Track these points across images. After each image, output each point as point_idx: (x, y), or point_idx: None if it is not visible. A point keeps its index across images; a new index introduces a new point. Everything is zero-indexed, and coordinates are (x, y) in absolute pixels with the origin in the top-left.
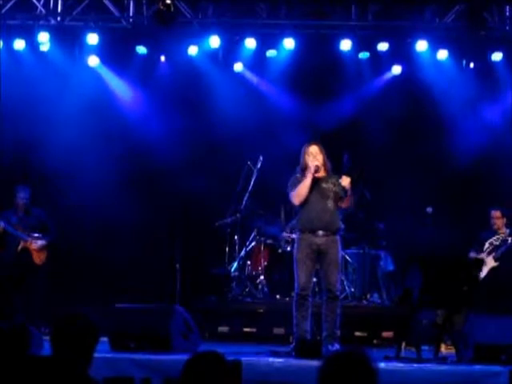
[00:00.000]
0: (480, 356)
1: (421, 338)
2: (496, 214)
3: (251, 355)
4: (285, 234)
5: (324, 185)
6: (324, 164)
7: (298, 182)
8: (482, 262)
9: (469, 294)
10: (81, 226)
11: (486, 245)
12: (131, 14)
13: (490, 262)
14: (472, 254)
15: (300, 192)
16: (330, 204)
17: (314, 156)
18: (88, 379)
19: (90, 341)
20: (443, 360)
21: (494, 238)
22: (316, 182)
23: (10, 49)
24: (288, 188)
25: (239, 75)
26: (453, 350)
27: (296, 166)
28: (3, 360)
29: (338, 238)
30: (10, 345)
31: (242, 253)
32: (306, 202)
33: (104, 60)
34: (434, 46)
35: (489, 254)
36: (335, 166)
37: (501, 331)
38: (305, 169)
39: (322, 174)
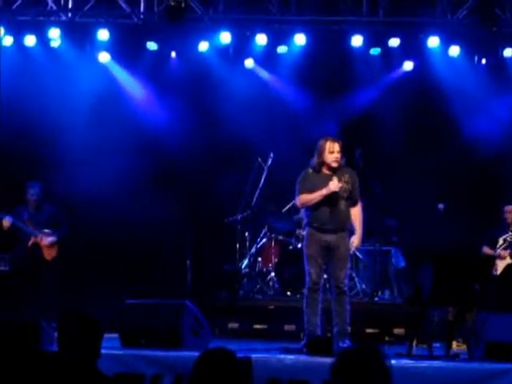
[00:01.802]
0: (491, 353)
1: (432, 334)
2: (509, 208)
3: (262, 352)
4: (297, 231)
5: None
6: (340, 162)
7: (307, 181)
8: (494, 260)
9: (480, 291)
10: (92, 223)
11: (500, 241)
12: (142, 10)
13: (506, 258)
14: (485, 250)
15: (308, 202)
16: (342, 204)
17: (336, 156)
18: (98, 374)
19: (94, 338)
20: (454, 357)
21: (509, 234)
22: (328, 180)
23: (21, 45)
24: (297, 183)
25: (250, 71)
26: (464, 347)
27: (309, 160)
28: (15, 355)
29: (347, 234)
30: (21, 340)
31: (253, 249)
32: (317, 202)
33: (115, 56)
34: (446, 42)
35: (504, 250)
36: (347, 162)
37: None
38: (322, 164)
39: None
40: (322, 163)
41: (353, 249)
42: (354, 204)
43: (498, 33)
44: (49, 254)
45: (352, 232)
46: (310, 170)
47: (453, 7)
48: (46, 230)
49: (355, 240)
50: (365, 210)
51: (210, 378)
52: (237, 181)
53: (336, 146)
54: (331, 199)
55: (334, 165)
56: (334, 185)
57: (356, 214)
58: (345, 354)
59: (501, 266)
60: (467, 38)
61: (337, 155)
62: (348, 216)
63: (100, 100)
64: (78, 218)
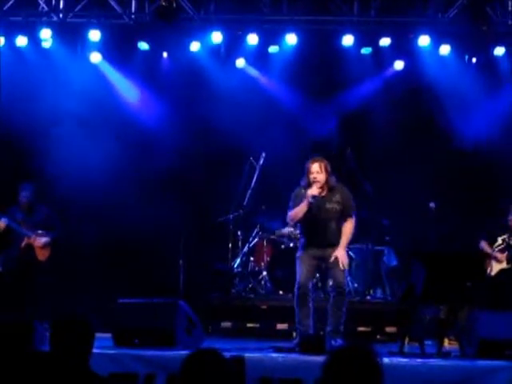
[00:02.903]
0: (484, 351)
1: (424, 332)
2: None
3: (254, 351)
4: (288, 229)
5: (328, 205)
6: (327, 181)
7: (298, 198)
8: (489, 258)
9: (473, 289)
10: (84, 222)
11: (499, 241)
12: (133, 10)
13: (502, 262)
14: (483, 245)
15: (294, 217)
16: (333, 224)
17: (314, 177)
18: (90, 374)
19: (86, 339)
20: (447, 355)
21: (507, 235)
22: (319, 202)
23: (13, 45)
24: (289, 200)
25: (241, 71)
26: (456, 345)
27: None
28: (7, 354)
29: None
30: (14, 340)
31: (245, 249)
32: (309, 222)
33: (106, 56)
34: (437, 41)
35: (501, 252)
36: (338, 162)
37: (505, 326)
38: (310, 184)
39: (324, 193)
40: (310, 183)
41: (332, 259)
42: (347, 218)
43: (488, 32)
44: (42, 255)
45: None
46: (302, 190)
47: (443, 6)
48: (39, 231)
49: (338, 254)
50: (356, 210)
51: (199, 379)
52: (229, 180)
53: (314, 167)
54: (322, 219)
55: (317, 185)
56: (312, 191)
57: (346, 229)
58: (337, 353)
59: (496, 268)
60: (458, 36)
61: (315, 175)
62: (338, 232)
63: (92, 100)
64: (71, 217)
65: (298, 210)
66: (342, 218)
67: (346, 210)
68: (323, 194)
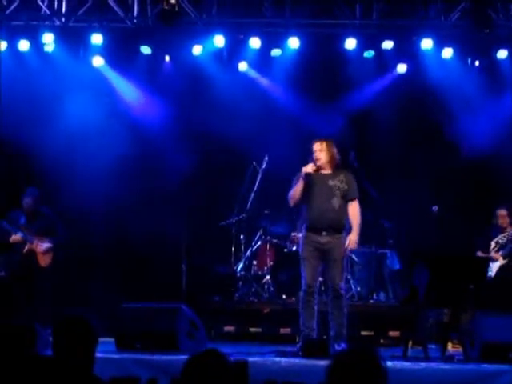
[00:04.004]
0: (487, 354)
1: (427, 336)
2: (502, 212)
3: (257, 355)
4: (292, 234)
5: (331, 182)
6: (330, 160)
7: (297, 180)
8: (488, 261)
9: (475, 292)
10: (87, 226)
11: (492, 244)
12: (135, 14)
13: (499, 261)
14: (478, 254)
15: (293, 195)
16: (336, 202)
17: (315, 155)
18: (93, 378)
19: (89, 343)
20: (450, 359)
21: (500, 236)
22: (322, 179)
23: (15, 50)
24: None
25: (244, 74)
26: (460, 349)
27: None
28: (10, 359)
29: (342, 236)
30: (17, 344)
31: (248, 253)
32: (310, 200)
33: (109, 60)
34: (439, 44)
35: (496, 252)
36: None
37: (508, 329)
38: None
39: (328, 170)
40: (314, 163)
41: (349, 248)
42: (351, 201)
43: (491, 35)
44: (43, 261)
45: (349, 232)
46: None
47: (446, 9)
48: (41, 237)
49: (351, 238)
50: (360, 212)
51: (200, 380)
52: (232, 184)
53: (316, 145)
54: (324, 196)
55: (317, 163)
56: (306, 168)
57: (353, 212)
58: (340, 357)
59: (494, 267)
60: (460, 40)
61: (317, 154)
62: (342, 215)
63: (94, 104)
64: (74, 222)
65: (295, 190)
66: (345, 200)
67: (351, 192)
68: (326, 172)
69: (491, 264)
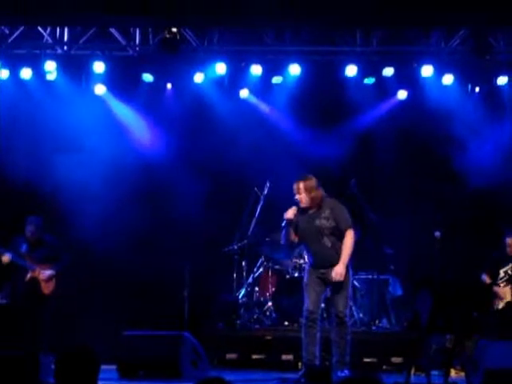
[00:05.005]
0: (490, 381)
1: (430, 363)
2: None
3: (260, 382)
4: (293, 260)
5: (317, 222)
6: (312, 200)
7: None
8: (492, 288)
9: (479, 319)
10: (89, 254)
11: (501, 273)
12: (137, 42)
13: (508, 295)
14: (484, 278)
15: (284, 242)
16: (327, 241)
17: (296, 197)
18: None
19: (91, 371)
20: None
21: (510, 266)
22: (308, 219)
23: (17, 78)
24: None
25: (245, 101)
26: (462, 375)
27: None
28: None
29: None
30: (21, 372)
31: (250, 279)
32: (304, 241)
33: (111, 88)
34: (440, 71)
35: (505, 284)
36: (342, 191)
37: (511, 356)
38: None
39: (313, 209)
40: None
41: (333, 276)
42: (342, 235)
43: (491, 61)
44: (47, 288)
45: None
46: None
47: (446, 36)
48: (43, 265)
49: (336, 269)
50: (361, 239)
51: None
52: (233, 210)
53: (295, 188)
54: (314, 237)
55: (300, 205)
56: (286, 214)
57: (344, 241)
58: (344, 383)
59: (502, 302)
60: (461, 66)
61: (297, 196)
62: (338, 250)
63: (96, 132)
64: (75, 249)
65: (283, 236)
66: (338, 234)
67: (340, 225)
68: (311, 211)
69: (499, 300)
